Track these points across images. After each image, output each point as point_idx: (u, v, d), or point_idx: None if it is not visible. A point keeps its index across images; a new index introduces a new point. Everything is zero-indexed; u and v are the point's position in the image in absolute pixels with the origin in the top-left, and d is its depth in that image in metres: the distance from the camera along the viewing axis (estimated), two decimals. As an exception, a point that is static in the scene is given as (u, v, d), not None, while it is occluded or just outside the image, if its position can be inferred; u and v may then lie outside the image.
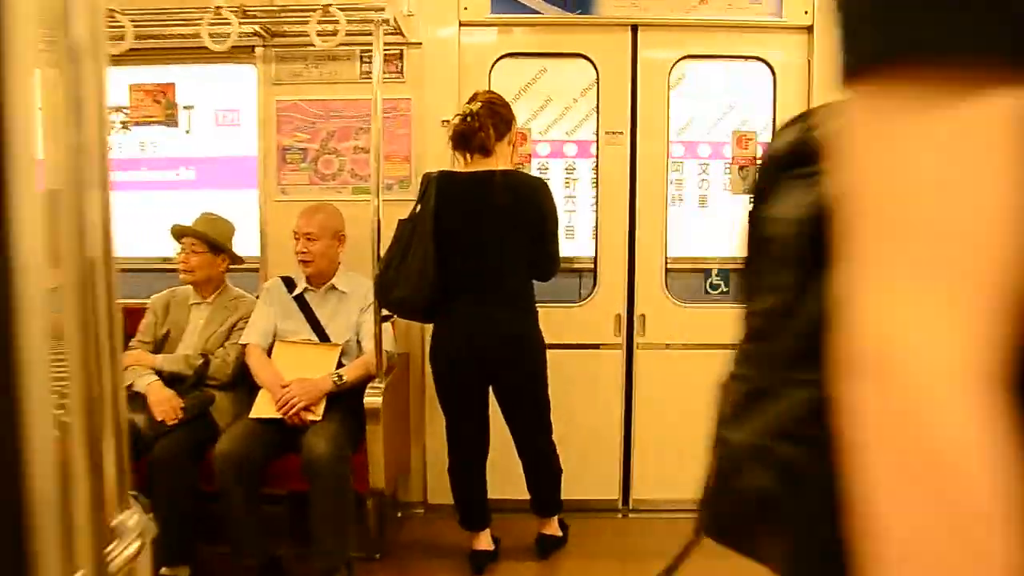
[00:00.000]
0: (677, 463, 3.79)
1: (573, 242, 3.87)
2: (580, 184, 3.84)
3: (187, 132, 4.13)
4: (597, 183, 3.76)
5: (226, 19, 3.15)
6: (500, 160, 3.02)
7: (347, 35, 3.20)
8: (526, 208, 2.96)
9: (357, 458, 3.09)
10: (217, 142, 4.18)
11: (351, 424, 3.11)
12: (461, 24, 3.69)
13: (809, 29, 3.73)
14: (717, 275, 3.88)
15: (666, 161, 3.75)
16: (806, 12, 3.69)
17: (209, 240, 3.39)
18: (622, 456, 3.83)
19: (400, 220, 3.00)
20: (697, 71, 3.88)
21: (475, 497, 3.14)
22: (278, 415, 3.07)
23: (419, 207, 2.97)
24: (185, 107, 4.08)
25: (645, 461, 3.83)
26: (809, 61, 3.75)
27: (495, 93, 3.17)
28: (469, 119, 2.98)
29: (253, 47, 3.67)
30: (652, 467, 3.83)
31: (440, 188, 2.95)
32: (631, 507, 3.85)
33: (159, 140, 4.15)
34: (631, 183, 3.73)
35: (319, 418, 3.10)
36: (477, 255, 2.95)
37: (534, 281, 3.09)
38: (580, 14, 3.69)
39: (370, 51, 3.26)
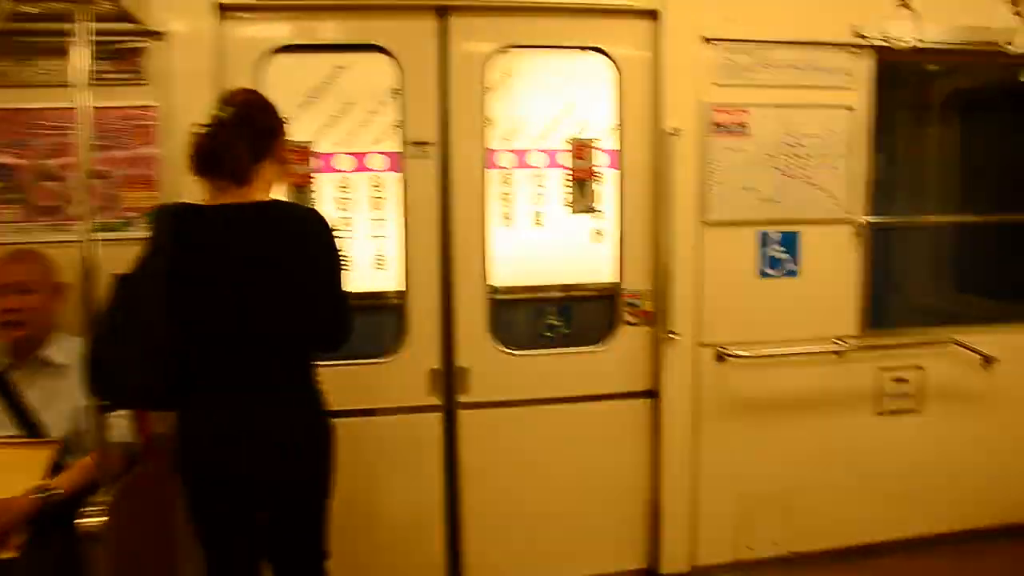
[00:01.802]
0: (520, 543, 3.19)
1: (383, 273, 3.15)
2: (389, 204, 3.11)
3: None
4: (404, 205, 3.02)
5: None
6: (260, 187, 2.21)
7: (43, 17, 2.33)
8: (297, 254, 2.15)
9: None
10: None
11: (74, 555, 2.30)
12: (222, 8, 2.86)
13: (654, 15, 3.08)
14: (555, 314, 3.23)
15: (484, 174, 3.04)
16: (652, -8, 3.05)
17: None
18: (447, 543, 3.15)
19: (118, 275, 2.13)
20: (528, 65, 3.19)
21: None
22: (-48, 554, 2.25)
23: (147, 255, 2.14)
24: None
25: (480, 546, 3.18)
26: (656, 52, 3.10)
27: (255, 93, 2.35)
28: (215, 131, 2.15)
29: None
30: (489, 553, 3.19)
31: (176, 229, 2.12)
32: (462, 603, 3.20)
33: None
34: (442, 203, 3.02)
35: (15, 555, 2.28)
36: (230, 324, 2.14)
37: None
38: (375, -5, 2.94)
39: (103, 43, 2.41)
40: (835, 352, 3.33)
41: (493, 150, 3.13)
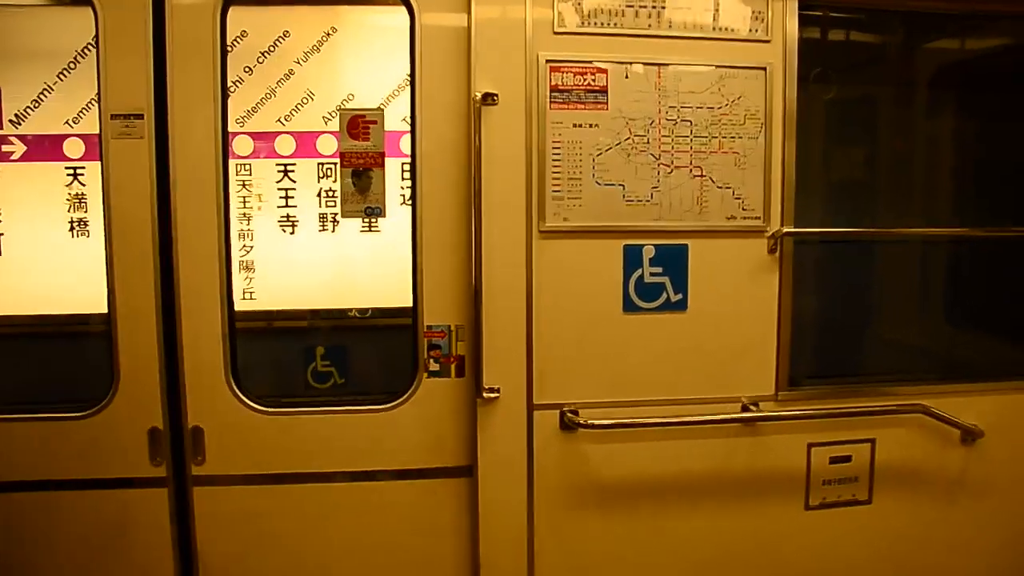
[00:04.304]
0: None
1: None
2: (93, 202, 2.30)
3: None
4: (107, 200, 2.17)
5: None
6: None
7: None
8: None
9: None
10: None
11: None
12: None
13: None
14: (325, 358, 2.34)
15: (222, 158, 2.16)
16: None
17: None
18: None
19: None
20: (311, 20, 2.31)
21: None
22: None
23: None
24: None
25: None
26: (469, -4, 2.17)
27: None
28: None
29: None
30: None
31: None
32: None
33: None
34: (159, 200, 2.16)
35: None
36: None
37: None
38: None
39: None
40: (742, 420, 2.34)
41: (264, 134, 2.27)
